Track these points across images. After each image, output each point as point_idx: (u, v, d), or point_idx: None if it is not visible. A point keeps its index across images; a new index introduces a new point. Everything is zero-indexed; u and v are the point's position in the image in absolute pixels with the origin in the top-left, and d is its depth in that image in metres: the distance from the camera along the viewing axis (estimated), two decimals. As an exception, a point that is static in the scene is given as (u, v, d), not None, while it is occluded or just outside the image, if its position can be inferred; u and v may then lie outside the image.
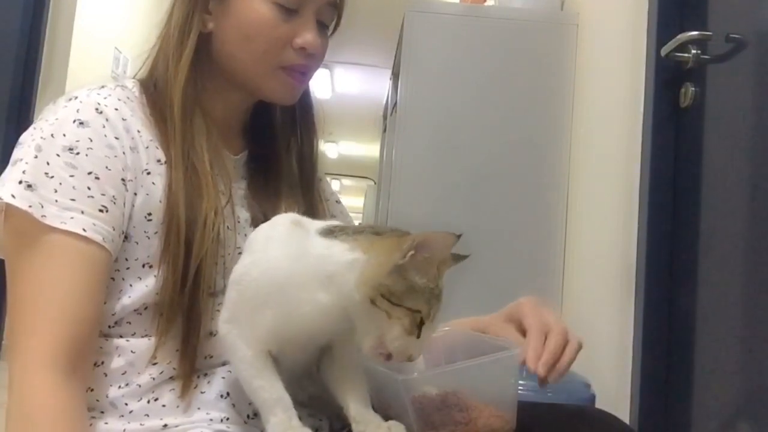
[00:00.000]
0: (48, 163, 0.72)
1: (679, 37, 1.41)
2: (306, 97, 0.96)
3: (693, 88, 1.46)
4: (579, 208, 2.06)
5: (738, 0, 1.39)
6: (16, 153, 0.74)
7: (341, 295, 0.64)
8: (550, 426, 0.78)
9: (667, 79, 1.52)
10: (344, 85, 5.75)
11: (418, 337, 0.63)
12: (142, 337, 0.76)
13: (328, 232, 0.68)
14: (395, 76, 2.60)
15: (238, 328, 0.69)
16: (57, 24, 2.13)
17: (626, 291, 1.57)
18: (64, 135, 0.74)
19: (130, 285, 0.76)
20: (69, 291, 0.70)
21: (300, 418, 0.68)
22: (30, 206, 0.70)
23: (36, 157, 0.73)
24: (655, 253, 1.50)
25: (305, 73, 0.87)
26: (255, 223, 0.85)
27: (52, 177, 0.72)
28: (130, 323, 0.76)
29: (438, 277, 0.64)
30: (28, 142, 0.75)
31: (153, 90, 0.84)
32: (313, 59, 0.86)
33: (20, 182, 0.71)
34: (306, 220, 0.72)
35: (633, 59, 1.66)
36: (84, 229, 0.70)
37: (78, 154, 0.74)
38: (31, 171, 0.72)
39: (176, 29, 0.84)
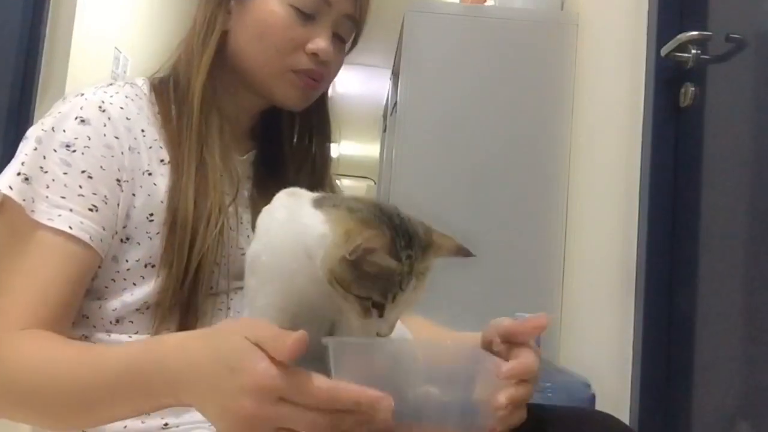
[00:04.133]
0: (44, 157, 0.74)
1: (679, 37, 1.41)
2: (323, 109, 0.96)
3: (693, 88, 1.46)
4: (579, 208, 2.06)
5: (738, 0, 1.39)
6: (20, 146, 0.76)
7: (318, 268, 0.61)
8: (549, 428, 0.78)
9: (667, 79, 1.51)
10: (344, 85, 5.75)
11: (381, 316, 0.61)
12: (145, 335, 0.76)
13: (318, 203, 0.66)
14: (395, 76, 2.60)
15: (256, 314, 0.67)
16: (57, 24, 2.13)
17: (626, 291, 1.57)
18: (64, 131, 0.75)
19: (133, 284, 0.76)
20: (46, 280, 0.71)
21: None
22: (24, 200, 0.71)
23: (36, 149, 0.74)
24: (655, 254, 1.50)
25: (317, 81, 0.87)
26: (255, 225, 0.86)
27: (47, 172, 0.73)
28: (132, 322, 0.77)
29: (398, 264, 0.60)
30: (31, 134, 0.76)
31: (172, 87, 0.85)
32: (325, 68, 0.87)
33: (18, 174, 0.72)
34: (302, 191, 0.71)
35: (633, 59, 1.66)
36: (70, 227, 0.71)
37: (74, 151, 0.74)
38: (30, 163, 0.73)
39: (202, 27, 0.85)
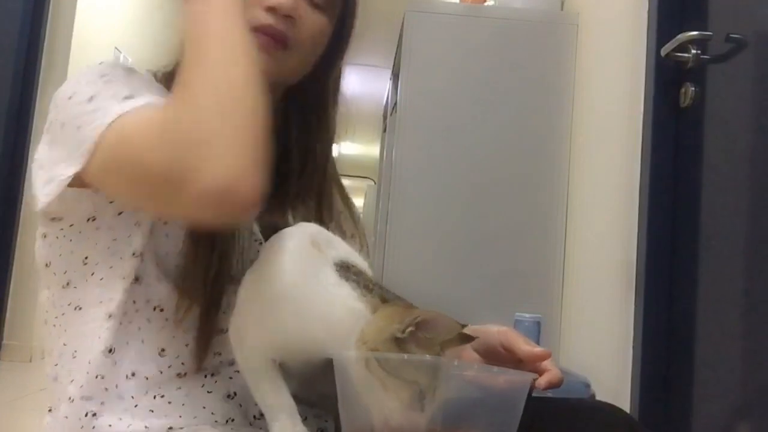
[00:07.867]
0: (105, 76, 0.75)
1: (679, 37, 1.41)
2: (319, 101, 0.95)
3: (693, 88, 1.46)
4: (579, 208, 2.06)
5: (738, 0, 1.39)
6: (76, 96, 0.76)
7: (335, 338, 0.62)
8: (551, 418, 0.78)
9: (667, 79, 1.52)
10: (344, 85, 5.75)
11: (422, 410, 0.58)
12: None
13: (345, 270, 0.65)
14: (395, 76, 2.60)
15: (246, 331, 0.69)
16: (57, 24, 2.13)
17: (626, 291, 1.57)
18: (101, 63, 0.78)
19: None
20: None
21: (306, 419, 0.67)
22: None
23: (107, 82, 0.74)
24: (655, 253, 1.50)
25: (280, 40, 0.81)
26: (259, 221, 0.85)
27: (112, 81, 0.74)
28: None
29: (440, 353, 0.61)
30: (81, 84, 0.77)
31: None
32: (288, 24, 0.81)
33: (125, 98, 0.70)
34: (324, 241, 0.69)
35: (633, 59, 1.66)
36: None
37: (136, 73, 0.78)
38: (122, 84, 0.73)
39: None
